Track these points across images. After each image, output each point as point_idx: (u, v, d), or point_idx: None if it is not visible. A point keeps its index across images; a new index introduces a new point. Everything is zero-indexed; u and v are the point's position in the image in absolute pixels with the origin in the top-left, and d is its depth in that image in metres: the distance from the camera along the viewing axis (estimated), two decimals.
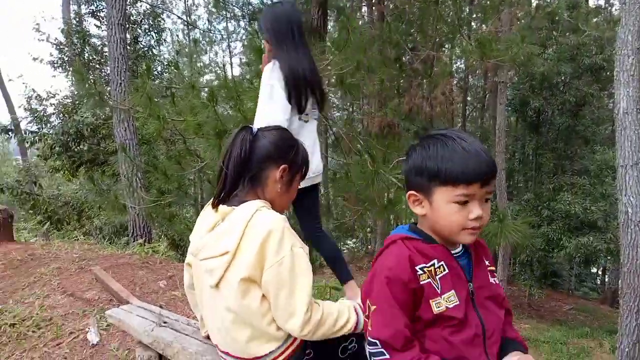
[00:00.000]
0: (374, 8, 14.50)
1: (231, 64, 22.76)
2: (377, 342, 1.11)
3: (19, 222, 10.92)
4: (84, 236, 8.49)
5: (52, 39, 10.84)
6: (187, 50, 21.26)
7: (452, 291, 1.13)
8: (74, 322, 2.88)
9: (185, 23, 18.47)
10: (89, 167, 11.27)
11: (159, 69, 12.40)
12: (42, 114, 10.40)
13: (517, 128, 18.46)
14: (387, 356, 1.10)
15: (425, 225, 1.19)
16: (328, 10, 6.33)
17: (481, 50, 4.40)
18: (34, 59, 11.13)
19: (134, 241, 6.56)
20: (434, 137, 1.14)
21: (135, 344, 1.91)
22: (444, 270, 1.14)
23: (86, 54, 10.94)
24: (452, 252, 1.17)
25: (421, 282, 1.11)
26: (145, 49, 11.60)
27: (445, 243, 1.17)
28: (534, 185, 17.08)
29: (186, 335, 1.81)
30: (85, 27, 11.71)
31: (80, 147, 11.12)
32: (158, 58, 12.14)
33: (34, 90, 10.48)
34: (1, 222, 4.14)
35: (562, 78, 15.46)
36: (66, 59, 10.72)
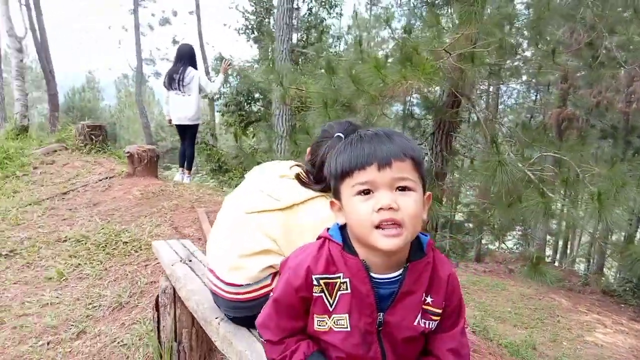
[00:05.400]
0: None
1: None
2: (259, 329, 1.12)
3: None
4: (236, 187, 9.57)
5: (240, 8, 12.06)
6: (367, 25, 21.65)
7: (345, 315, 1.00)
8: None
9: None
10: (256, 126, 12.48)
11: (330, 41, 12.89)
12: None
13: None
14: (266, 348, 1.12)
15: (351, 235, 1.03)
16: None
17: None
18: (224, 25, 12.62)
19: None
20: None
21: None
22: (347, 289, 1.00)
23: (266, 22, 11.92)
24: (376, 275, 0.99)
25: (313, 294, 1.01)
26: (318, 21, 12.15)
27: (374, 261, 0.98)
28: None
29: (196, 275, 1.94)
30: None
31: (251, 107, 12.35)
32: (329, 30, 12.61)
33: (220, 54, 11.89)
34: (149, 159, 4.88)
35: None
36: (249, 26, 11.85)
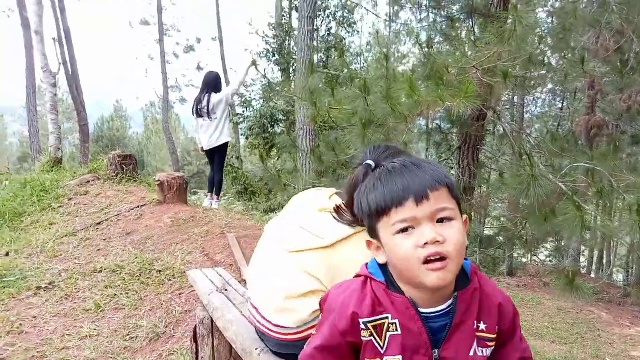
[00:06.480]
0: None
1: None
2: None
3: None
4: (264, 212, 9.72)
5: (260, 32, 12.30)
6: (386, 41, 21.72)
7: (399, 357, 0.97)
8: None
9: (376, 15, 19.02)
10: (280, 148, 12.62)
11: (349, 59, 12.99)
12: (246, 98, 11.97)
13: None
14: None
15: (394, 273, 1.01)
16: None
17: None
18: (245, 50, 12.91)
19: None
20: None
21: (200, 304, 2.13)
22: (397, 329, 0.97)
23: (286, 45, 12.11)
24: (425, 310, 0.97)
25: (362, 338, 0.98)
26: (338, 40, 12.28)
27: (420, 297, 0.96)
28: None
29: (234, 305, 1.94)
30: (290, 21, 12.98)
31: (274, 129, 12.50)
32: (349, 49, 12.73)
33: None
34: (178, 187, 4.97)
35: None
36: (270, 49, 12.05)
